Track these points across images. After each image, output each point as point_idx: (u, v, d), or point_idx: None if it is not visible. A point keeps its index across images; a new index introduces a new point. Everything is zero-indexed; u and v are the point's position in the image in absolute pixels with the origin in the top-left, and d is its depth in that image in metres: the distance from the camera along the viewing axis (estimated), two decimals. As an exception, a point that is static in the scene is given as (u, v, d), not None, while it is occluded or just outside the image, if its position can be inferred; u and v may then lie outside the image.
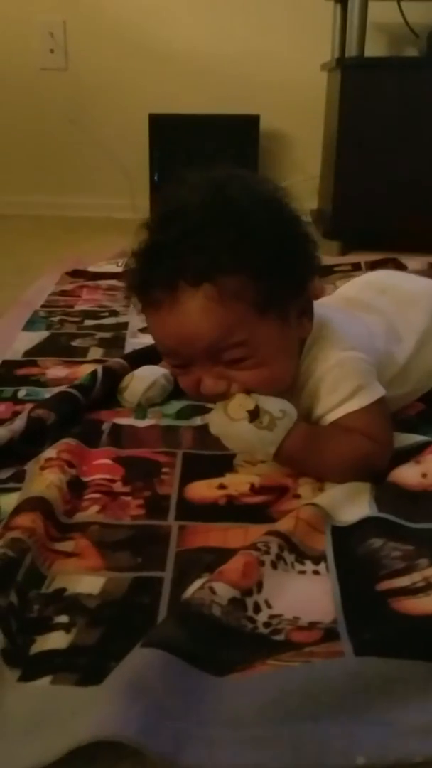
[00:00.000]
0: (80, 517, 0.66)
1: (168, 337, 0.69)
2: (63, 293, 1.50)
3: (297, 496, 0.70)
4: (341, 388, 0.72)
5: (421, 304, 0.89)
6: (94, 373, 0.92)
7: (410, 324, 0.86)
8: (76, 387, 0.89)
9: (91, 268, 1.68)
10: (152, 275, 0.66)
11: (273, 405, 0.69)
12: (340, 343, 0.74)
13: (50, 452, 0.75)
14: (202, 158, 2.15)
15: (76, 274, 1.64)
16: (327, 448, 0.72)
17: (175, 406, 0.90)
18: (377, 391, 0.73)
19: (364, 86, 1.80)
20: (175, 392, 0.92)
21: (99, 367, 0.93)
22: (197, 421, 0.86)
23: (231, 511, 0.68)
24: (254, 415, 0.68)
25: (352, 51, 1.80)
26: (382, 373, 0.78)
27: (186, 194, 0.67)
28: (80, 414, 0.86)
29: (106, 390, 0.92)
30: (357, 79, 1.81)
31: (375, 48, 2.16)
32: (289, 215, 0.70)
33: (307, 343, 0.74)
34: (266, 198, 0.69)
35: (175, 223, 0.65)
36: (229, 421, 0.69)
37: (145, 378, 0.91)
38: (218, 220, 0.64)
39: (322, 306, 0.77)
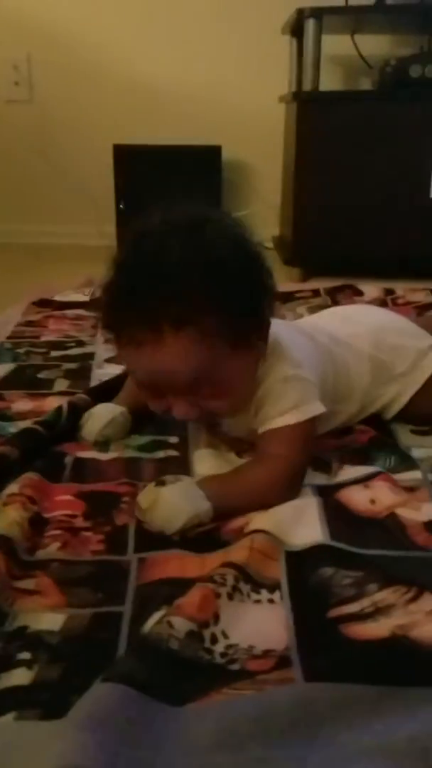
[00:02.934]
0: (42, 554, 0.67)
1: (149, 373, 0.73)
2: (29, 323, 1.51)
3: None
4: (283, 402, 0.77)
5: (371, 335, 0.94)
6: (59, 409, 0.94)
7: (357, 349, 0.92)
8: (41, 423, 0.91)
9: (58, 297, 1.69)
10: (132, 315, 0.69)
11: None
12: (288, 360, 0.80)
13: (12, 487, 0.76)
14: (166, 187, 2.18)
15: (42, 303, 1.65)
16: (246, 483, 0.76)
17: (139, 440, 0.92)
18: (316, 408, 0.79)
19: (319, 118, 1.87)
20: (136, 427, 0.94)
21: (64, 403, 0.95)
22: (160, 454, 0.88)
23: (185, 540, 0.70)
24: (159, 482, 0.73)
25: (307, 84, 1.86)
26: (327, 391, 0.83)
27: (161, 235, 0.70)
28: (44, 449, 0.88)
29: (71, 425, 0.93)
30: (312, 111, 1.87)
31: (331, 79, 2.23)
32: (254, 253, 0.75)
33: None
34: (235, 239, 0.73)
35: (154, 267, 0.68)
36: (159, 489, 0.72)
37: (102, 416, 0.92)
38: (197, 265, 0.68)
39: (275, 325, 0.80)
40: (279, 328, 0.81)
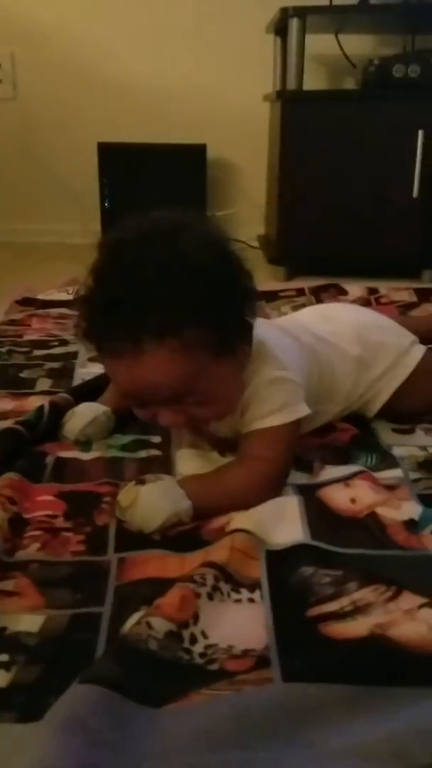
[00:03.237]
0: (21, 555, 0.67)
1: (129, 385, 0.72)
2: (12, 322, 1.50)
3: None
4: (268, 403, 0.78)
5: (354, 334, 0.95)
6: (40, 408, 0.93)
7: (340, 348, 0.92)
8: (22, 423, 0.90)
9: (42, 296, 1.69)
10: (112, 327, 0.68)
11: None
12: (274, 362, 0.80)
13: (-7, 488, 0.76)
14: (151, 186, 2.19)
15: (26, 302, 1.65)
16: (227, 483, 0.76)
17: (121, 439, 0.92)
18: (301, 411, 0.79)
19: (303, 118, 1.87)
20: (119, 427, 0.94)
21: (45, 403, 0.95)
22: (142, 454, 0.88)
23: (166, 540, 0.70)
24: (140, 481, 0.73)
25: (291, 83, 1.86)
26: (311, 391, 0.83)
27: (140, 245, 0.69)
28: (25, 449, 0.87)
29: (52, 425, 0.93)
30: (296, 111, 1.87)
31: (315, 78, 2.23)
32: (232, 256, 0.74)
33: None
34: (212, 244, 0.72)
35: (133, 278, 0.67)
36: (138, 488, 0.72)
37: (84, 415, 0.92)
38: (177, 276, 0.67)
39: (260, 326, 0.80)
40: (264, 329, 0.81)
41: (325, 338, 0.92)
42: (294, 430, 0.79)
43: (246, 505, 0.73)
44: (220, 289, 0.70)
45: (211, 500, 0.74)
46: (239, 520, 0.70)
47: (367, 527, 0.71)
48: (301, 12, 1.82)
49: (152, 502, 0.70)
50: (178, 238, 0.69)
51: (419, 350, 0.98)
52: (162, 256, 0.68)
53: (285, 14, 1.84)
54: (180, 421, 0.74)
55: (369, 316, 1.04)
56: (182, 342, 0.67)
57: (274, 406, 0.77)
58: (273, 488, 0.76)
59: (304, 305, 1.46)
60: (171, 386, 0.70)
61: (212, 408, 0.74)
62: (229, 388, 0.75)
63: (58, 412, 0.94)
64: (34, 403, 1.00)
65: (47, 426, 0.92)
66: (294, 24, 1.82)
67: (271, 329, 0.85)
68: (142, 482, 0.72)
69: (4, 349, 1.31)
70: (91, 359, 1.25)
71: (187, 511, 0.71)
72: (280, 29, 1.98)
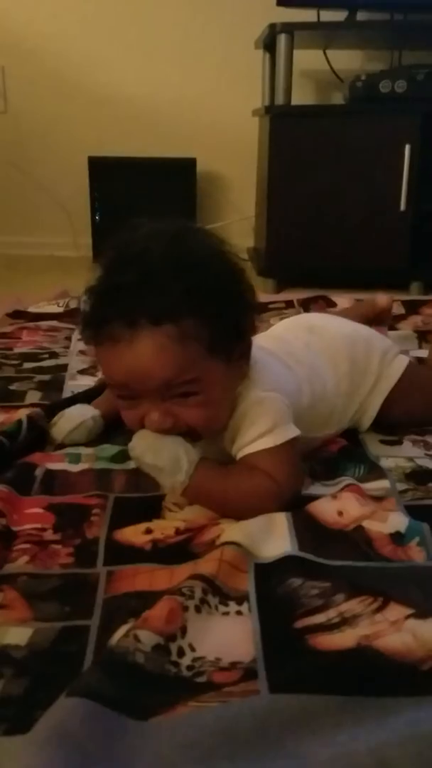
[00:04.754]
0: (9, 568, 0.67)
1: (122, 372, 0.72)
2: (2, 335, 1.50)
3: (216, 524, 0.74)
4: (257, 425, 0.77)
5: (343, 348, 0.94)
6: (19, 421, 0.94)
7: (333, 368, 0.92)
8: (2, 433, 0.91)
9: (32, 309, 1.69)
10: (112, 312, 0.70)
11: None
12: (262, 383, 0.79)
13: (-18, 501, 0.76)
14: (141, 199, 2.20)
15: (16, 315, 1.65)
16: (229, 483, 0.76)
17: (110, 450, 0.92)
18: (290, 432, 0.78)
19: (291, 132, 1.89)
20: (107, 436, 0.94)
21: (24, 416, 0.95)
22: (131, 465, 0.88)
23: (156, 553, 0.70)
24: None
25: (279, 98, 1.89)
26: (304, 416, 0.83)
27: (146, 240, 0.72)
28: (7, 458, 0.88)
29: (34, 437, 0.93)
30: (285, 125, 1.89)
31: (303, 93, 2.26)
32: (235, 268, 0.76)
33: None
34: (217, 251, 0.75)
35: (136, 266, 0.70)
36: (158, 435, 0.74)
37: (72, 419, 0.94)
38: (178, 266, 0.69)
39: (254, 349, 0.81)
40: (257, 353, 0.81)
41: (318, 364, 0.91)
42: (290, 450, 0.78)
43: (239, 513, 0.74)
44: (221, 286, 0.72)
45: (208, 492, 0.75)
46: (230, 532, 0.70)
47: (354, 540, 0.71)
48: (290, 28, 1.84)
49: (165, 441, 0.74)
50: (185, 237, 0.73)
51: (401, 360, 0.99)
52: (167, 248, 0.71)
53: (273, 30, 1.87)
54: (168, 424, 0.73)
55: (350, 326, 1.03)
56: (178, 330, 0.68)
57: (263, 428, 0.77)
58: (269, 505, 0.75)
59: (293, 317, 1.46)
60: (163, 374, 0.70)
61: (201, 411, 0.73)
62: (219, 393, 0.74)
63: (36, 425, 0.94)
64: (23, 415, 1.00)
65: (28, 438, 0.92)
66: (282, 40, 1.85)
67: (262, 353, 0.84)
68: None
69: (-7, 362, 1.31)
70: (81, 371, 1.26)
71: (190, 465, 0.74)
72: (268, 45, 2.00)
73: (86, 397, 1.03)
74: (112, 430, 0.95)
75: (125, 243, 0.73)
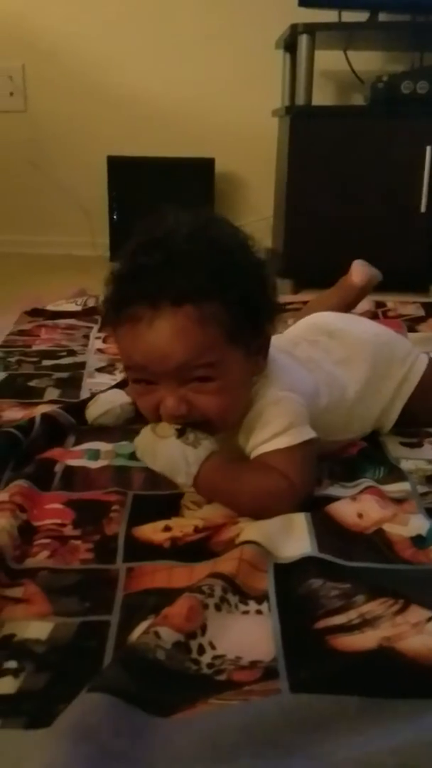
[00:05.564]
0: (30, 563, 0.67)
1: (141, 353, 0.72)
2: (21, 333, 1.51)
3: (235, 523, 0.74)
4: (273, 424, 0.77)
5: (364, 354, 0.93)
6: (32, 419, 0.95)
7: (354, 374, 0.90)
8: (16, 427, 0.92)
9: (50, 307, 1.71)
10: (134, 292, 0.71)
11: (199, 430, 0.74)
12: (279, 383, 0.79)
13: (2, 495, 0.76)
14: (159, 199, 2.20)
15: (35, 313, 1.66)
16: (243, 480, 0.76)
17: (129, 447, 0.92)
18: (306, 433, 0.77)
19: (312, 133, 1.89)
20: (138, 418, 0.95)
21: (37, 415, 0.97)
22: (149, 462, 0.89)
23: (174, 550, 0.70)
24: (181, 432, 0.74)
25: (300, 98, 1.88)
26: (321, 419, 0.82)
27: (173, 225, 0.73)
28: (21, 450, 0.90)
29: (52, 434, 0.95)
30: (305, 126, 1.89)
31: (323, 94, 2.26)
32: (259, 261, 0.77)
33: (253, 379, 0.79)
34: (242, 242, 0.76)
35: (162, 248, 0.70)
36: (156, 439, 0.74)
37: (102, 405, 0.98)
38: (204, 251, 0.71)
39: (272, 350, 0.80)
40: (276, 354, 0.81)
41: (335, 370, 0.89)
42: (306, 452, 0.77)
43: (251, 511, 0.74)
44: (244, 274, 0.72)
45: (219, 488, 0.75)
46: (248, 532, 0.70)
47: (375, 543, 0.70)
48: (311, 28, 1.84)
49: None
50: (211, 226, 0.75)
51: (422, 362, 0.97)
52: (194, 234, 0.72)
53: (295, 30, 1.86)
54: (182, 410, 0.72)
55: (372, 330, 1.02)
56: (200, 312, 0.69)
57: (278, 428, 0.76)
58: (281, 506, 0.75)
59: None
60: (182, 355, 0.70)
61: (216, 399, 0.72)
62: (235, 382, 0.74)
63: (52, 422, 0.97)
64: (40, 412, 1.01)
65: (42, 435, 0.94)
66: (304, 40, 1.84)
67: (280, 354, 0.84)
68: (183, 432, 0.74)
69: (13, 359, 1.32)
70: (99, 369, 1.26)
71: (187, 474, 0.74)
72: (289, 45, 2.00)
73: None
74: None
75: (152, 227, 0.74)
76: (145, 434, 0.76)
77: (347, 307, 1.25)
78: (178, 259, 0.70)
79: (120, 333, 0.74)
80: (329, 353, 0.92)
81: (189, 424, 0.74)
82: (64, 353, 1.37)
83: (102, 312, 0.78)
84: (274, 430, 0.76)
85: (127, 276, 0.73)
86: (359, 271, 1.26)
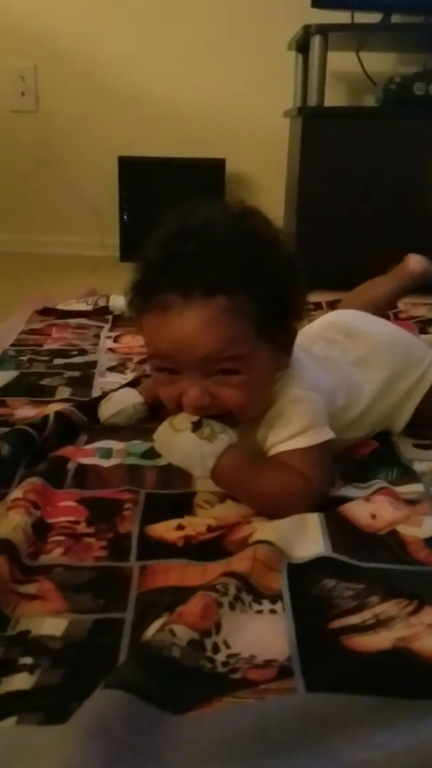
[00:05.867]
0: (44, 559, 0.67)
1: (168, 341, 0.71)
2: (32, 332, 1.52)
3: (249, 522, 0.74)
4: (293, 424, 0.76)
5: (382, 355, 0.93)
6: (46, 417, 0.96)
7: (371, 373, 0.90)
8: (30, 425, 0.93)
9: (61, 306, 1.71)
10: (166, 280, 0.70)
11: (216, 422, 0.74)
12: (301, 381, 0.79)
13: (17, 492, 0.76)
14: (170, 199, 2.21)
15: (45, 312, 1.67)
16: (261, 476, 0.76)
17: (141, 446, 0.93)
18: (325, 434, 0.77)
19: (323, 134, 1.89)
20: (151, 417, 0.96)
21: (51, 413, 0.97)
22: (161, 461, 0.88)
23: (188, 549, 0.70)
24: (197, 425, 0.73)
25: (312, 100, 1.88)
26: (338, 419, 0.82)
27: (208, 216, 0.73)
28: (35, 448, 0.90)
29: (65, 432, 0.95)
30: (317, 127, 1.89)
31: (335, 95, 2.25)
32: (292, 257, 0.77)
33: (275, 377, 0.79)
34: (276, 236, 0.76)
35: (197, 238, 0.70)
36: (172, 432, 0.74)
37: (115, 404, 0.98)
38: (239, 243, 0.70)
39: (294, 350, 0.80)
40: (296, 352, 0.81)
41: (352, 370, 0.90)
42: (323, 453, 0.77)
43: (267, 507, 0.74)
44: (277, 269, 0.72)
45: (235, 480, 0.75)
46: (262, 531, 0.70)
47: (388, 544, 0.70)
48: (324, 29, 1.84)
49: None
50: (247, 218, 0.74)
51: None
52: (229, 225, 0.72)
53: (307, 31, 1.86)
54: (205, 401, 0.72)
55: (389, 330, 1.02)
56: (230, 303, 0.69)
57: (297, 428, 0.76)
58: (298, 506, 0.74)
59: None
60: (210, 345, 0.69)
61: (240, 392, 0.72)
62: (260, 376, 0.74)
63: (65, 420, 0.97)
64: (53, 410, 1.01)
65: (55, 433, 0.94)
66: (317, 41, 1.85)
67: (300, 353, 0.83)
68: (199, 425, 0.73)
69: (24, 358, 1.32)
70: (110, 368, 1.27)
71: (203, 468, 0.73)
72: (302, 46, 2.00)
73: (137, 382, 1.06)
74: (155, 414, 0.95)
75: (186, 217, 0.73)
76: (163, 427, 0.76)
77: (396, 297, 1.26)
78: (213, 250, 0.69)
79: (147, 320, 0.73)
80: (346, 352, 0.92)
81: (208, 417, 0.74)
82: (75, 352, 1.37)
83: (127, 297, 0.76)
84: (294, 430, 0.76)
85: (160, 263, 0.72)
86: (416, 260, 1.26)
